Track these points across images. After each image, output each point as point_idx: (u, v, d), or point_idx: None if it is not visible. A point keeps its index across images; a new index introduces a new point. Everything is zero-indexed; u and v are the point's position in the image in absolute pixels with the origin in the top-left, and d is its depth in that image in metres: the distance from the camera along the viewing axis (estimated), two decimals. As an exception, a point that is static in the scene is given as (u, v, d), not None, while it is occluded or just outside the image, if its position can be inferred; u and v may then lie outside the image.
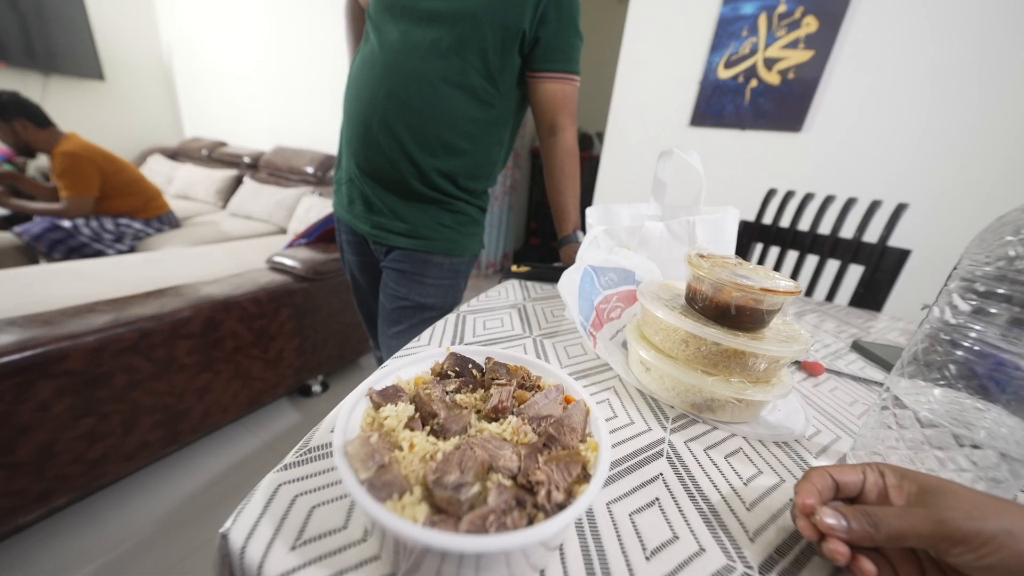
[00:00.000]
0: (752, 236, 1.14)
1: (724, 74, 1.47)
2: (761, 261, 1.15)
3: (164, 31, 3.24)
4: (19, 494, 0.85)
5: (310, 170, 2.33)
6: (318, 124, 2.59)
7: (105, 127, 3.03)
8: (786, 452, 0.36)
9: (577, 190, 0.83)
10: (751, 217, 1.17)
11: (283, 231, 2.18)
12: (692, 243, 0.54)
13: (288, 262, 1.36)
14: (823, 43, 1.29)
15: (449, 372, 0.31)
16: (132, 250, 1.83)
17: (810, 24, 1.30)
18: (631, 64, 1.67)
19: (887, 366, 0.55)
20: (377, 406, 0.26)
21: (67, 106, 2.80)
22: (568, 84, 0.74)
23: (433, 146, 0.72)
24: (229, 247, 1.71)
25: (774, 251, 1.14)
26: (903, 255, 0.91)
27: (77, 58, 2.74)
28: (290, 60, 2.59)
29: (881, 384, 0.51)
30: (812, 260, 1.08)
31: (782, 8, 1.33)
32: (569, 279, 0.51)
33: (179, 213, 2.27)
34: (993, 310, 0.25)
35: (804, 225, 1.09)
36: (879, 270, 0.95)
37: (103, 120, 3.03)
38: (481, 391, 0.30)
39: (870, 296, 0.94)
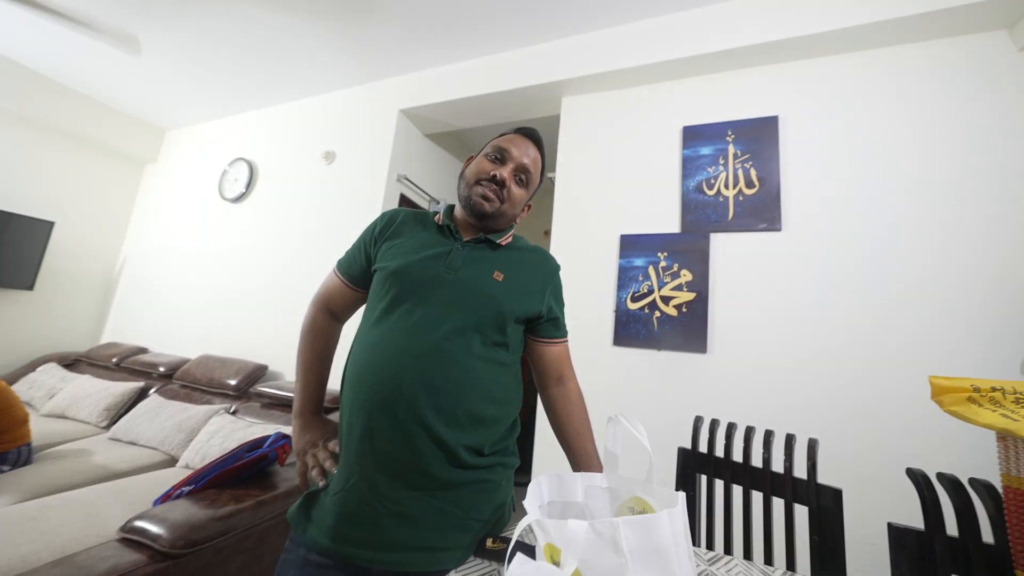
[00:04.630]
0: (696, 467, 1.11)
1: (632, 306, 1.74)
2: (710, 495, 1.09)
3: (126, 247, 3.44)
4: None
5: (232, 382, 2.16)
6: (252, 334, 2.57)
7: (9, 334, 2.79)
8: None
9: (592, 432, 0.86)
10: (686, 442, 1.17)
11: (173, 462, 1.82)
12: (617, 551, 0.48)
13: (151, 527, 1.05)
14: (700, 287, 1.63)
15: None
16: (-67, 505, 1.36)
17: (686, 275, 1.66)
18: (556, 293, 1.96)
19: None
20: None
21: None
22: (565, 344, 0.92)
23: (463, 422, 0.69)
24: (81, 495, 1.34)
25: (719, 484, 1.09)
26: (837, 494, 0.89)
27: (13, 273, 2.73)
28: (233, 273, 2.78)
29: None
30: (758, 497, 1.03)
31: (663, 264, 1.71)
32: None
33: (45, 438, 1.87)
34: None
35: (737, 455, 1.09)
36: (823, 509, 0.91)
37: (16, 327, 2.84)
38: None
39: (827, 549, 0.86)
